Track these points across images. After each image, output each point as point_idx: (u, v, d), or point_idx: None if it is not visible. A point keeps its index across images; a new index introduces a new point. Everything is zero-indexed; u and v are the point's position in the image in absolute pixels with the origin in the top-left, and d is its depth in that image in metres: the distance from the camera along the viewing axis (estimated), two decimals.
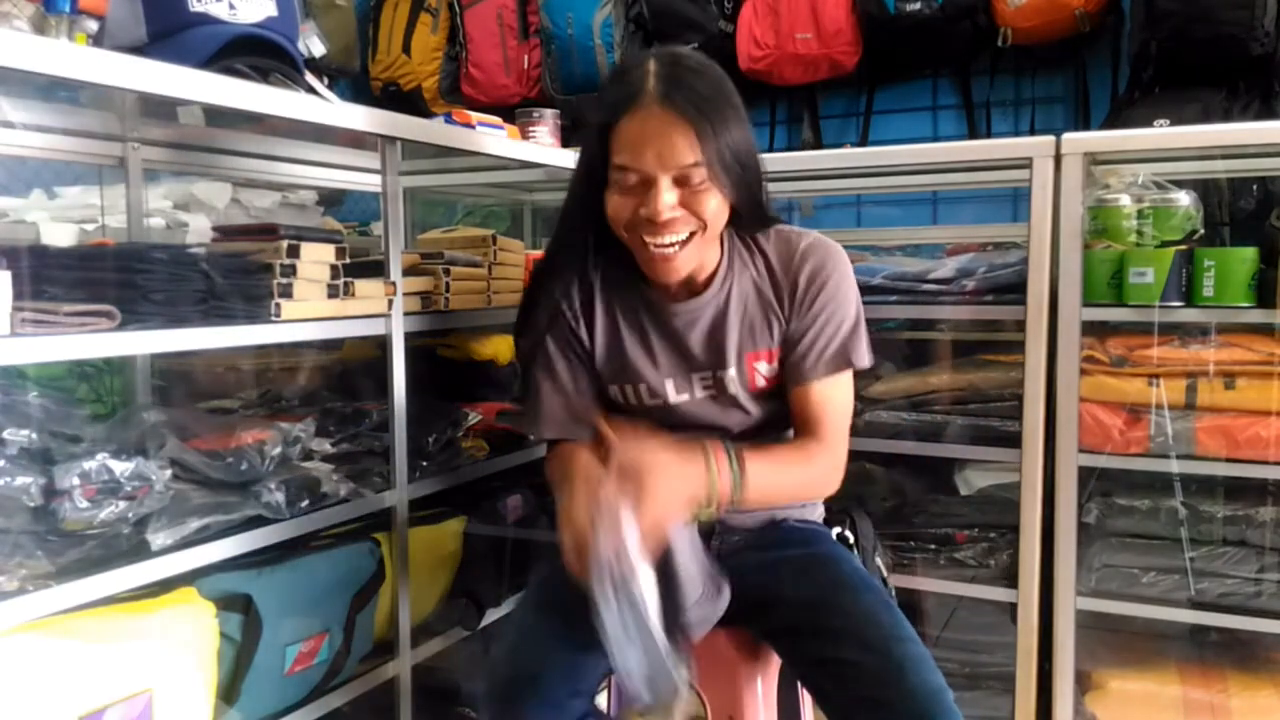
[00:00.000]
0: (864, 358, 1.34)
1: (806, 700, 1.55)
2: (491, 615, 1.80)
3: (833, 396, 1.33)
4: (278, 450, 1.40)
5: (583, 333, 1.37)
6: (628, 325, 1.37)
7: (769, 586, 1.32)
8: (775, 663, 1.44)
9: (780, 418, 1.40)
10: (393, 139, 1.54)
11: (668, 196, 1.20)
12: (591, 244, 1.33)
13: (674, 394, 1.36)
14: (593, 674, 1.22)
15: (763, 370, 1.36)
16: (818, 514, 1.51)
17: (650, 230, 1.22)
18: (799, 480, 1.32)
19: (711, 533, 1.40)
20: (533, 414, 1.40)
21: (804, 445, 1.32)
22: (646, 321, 1.36)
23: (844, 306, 1.33)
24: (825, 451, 1.31)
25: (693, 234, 1.24)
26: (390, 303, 1.55)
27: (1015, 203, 2.54)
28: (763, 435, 1.39)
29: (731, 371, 1.35)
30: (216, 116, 1.62)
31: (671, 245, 1.23)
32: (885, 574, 1.49)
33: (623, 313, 1.37)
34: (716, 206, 1.23)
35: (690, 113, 1.18)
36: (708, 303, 1.34)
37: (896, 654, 1.16)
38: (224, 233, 1.62)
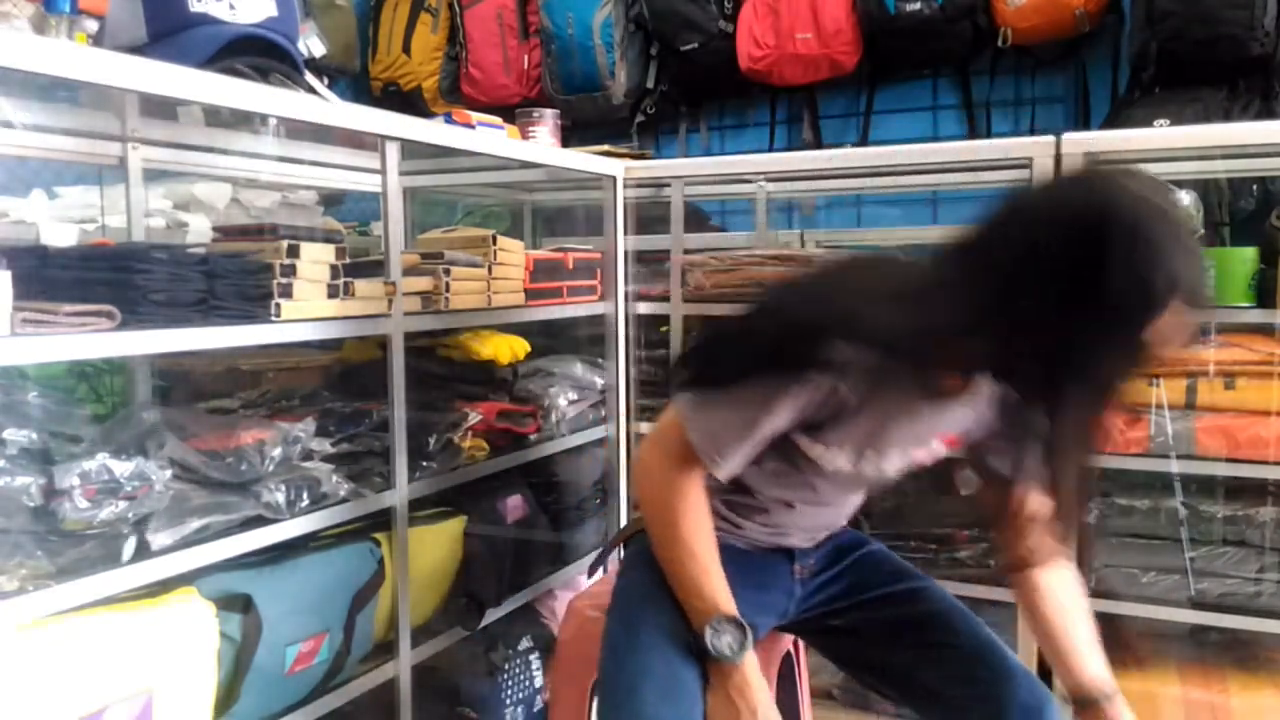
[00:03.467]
0: None
1: (806, 700, 1.55)
2: (491, 615, 1.80)
3: None
4: (278, 450, 1.40)
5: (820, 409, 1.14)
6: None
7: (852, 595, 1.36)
8: (776, 661, 1.44)
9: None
10: (393, 139, 1.54)
11: None
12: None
13: (833, 462, 1.21)
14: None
15: (935, 449, 1.25)
16: None
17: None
18: None
19: (793, 559, 1.36)
20: (710, 429, 1.17)
21: None
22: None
23: None
24: None
25: None
26: (390, 303, 1.55)
27: None
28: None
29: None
30: (216, 116, 1.62)
31: None
32: None
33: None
34: None
35: None
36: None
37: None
38: (224, 233, 1.62)
